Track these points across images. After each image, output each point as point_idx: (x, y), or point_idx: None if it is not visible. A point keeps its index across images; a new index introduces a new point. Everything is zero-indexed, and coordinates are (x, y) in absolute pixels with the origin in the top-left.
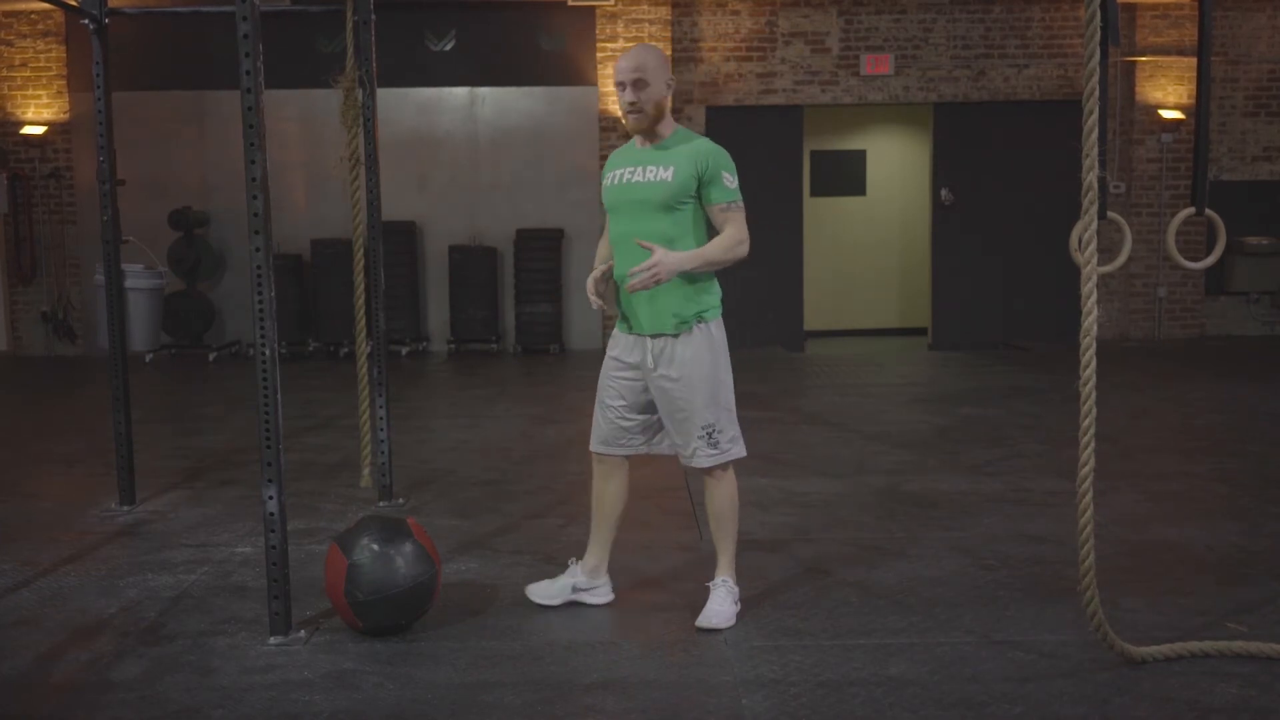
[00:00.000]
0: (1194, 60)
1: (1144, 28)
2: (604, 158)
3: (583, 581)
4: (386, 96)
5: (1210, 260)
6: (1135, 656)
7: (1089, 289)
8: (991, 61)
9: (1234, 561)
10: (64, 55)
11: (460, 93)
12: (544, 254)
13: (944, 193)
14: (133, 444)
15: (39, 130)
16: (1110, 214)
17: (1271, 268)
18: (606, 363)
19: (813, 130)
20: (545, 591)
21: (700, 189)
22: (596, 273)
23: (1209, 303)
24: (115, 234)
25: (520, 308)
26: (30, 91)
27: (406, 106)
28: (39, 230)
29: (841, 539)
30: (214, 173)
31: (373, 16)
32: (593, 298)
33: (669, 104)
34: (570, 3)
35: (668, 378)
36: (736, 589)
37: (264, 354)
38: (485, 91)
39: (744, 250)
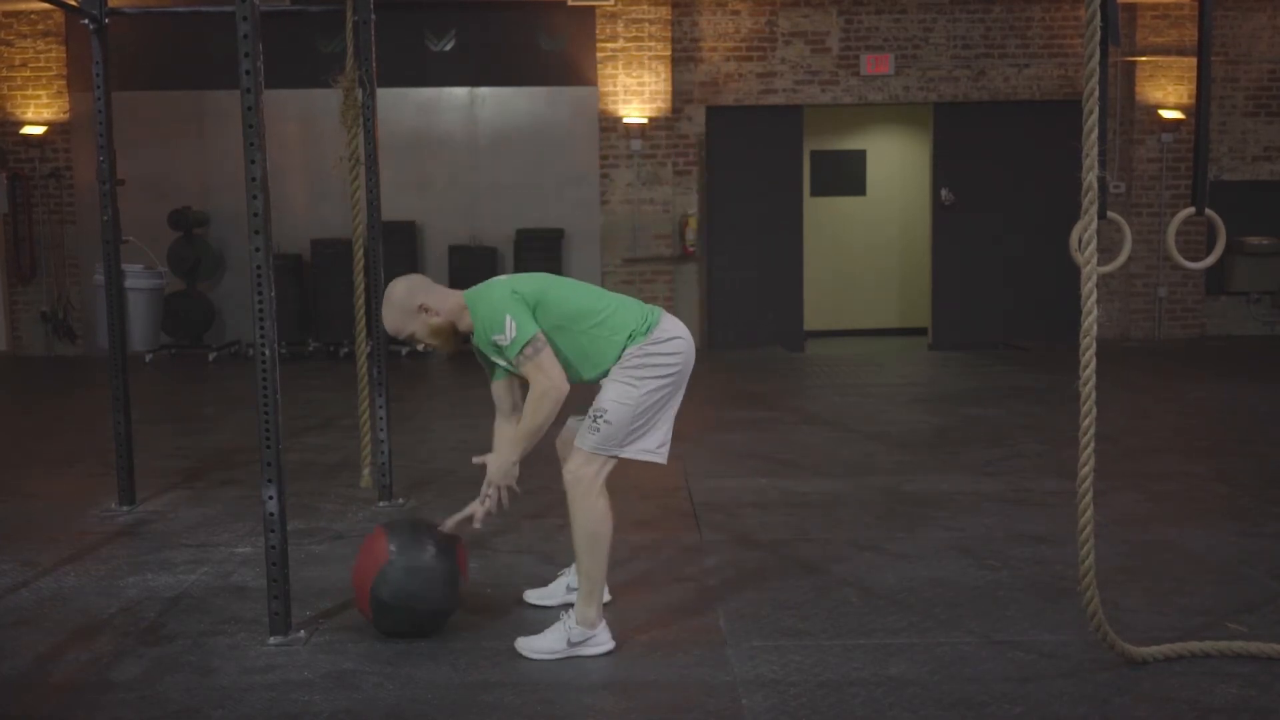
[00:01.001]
0: (1194, 60)
1: (1144, 28)
2: (604, 158)
3: (576, 582)
4: (386, 96)
5: (1210, 260)
6: (1135, 656)
7: (1089, 289)
8: (991, 61)
9: (1234, 561)
10: (64, 55)
11: (460, 93)
12: (544, 254)
13: (944, 193)
14: (133, 444)
15: (39, 130)
16: (1110, 214)
17: (1271, 268)
18: None
19: (813, 130)
20: (541, 594)
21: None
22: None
23: (1209, 303)
24: (115, 234)
25: None
26: (30, 91)
27: (406, 106)
28: (39, 230)
29: (841, 539)
30: (214, 173)
31: (373, 16)
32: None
33: (445, 322)
34: (570, 3)
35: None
36: (583, 633)
37: (264, 354)
38: (485, 91)
39: (550, 400)
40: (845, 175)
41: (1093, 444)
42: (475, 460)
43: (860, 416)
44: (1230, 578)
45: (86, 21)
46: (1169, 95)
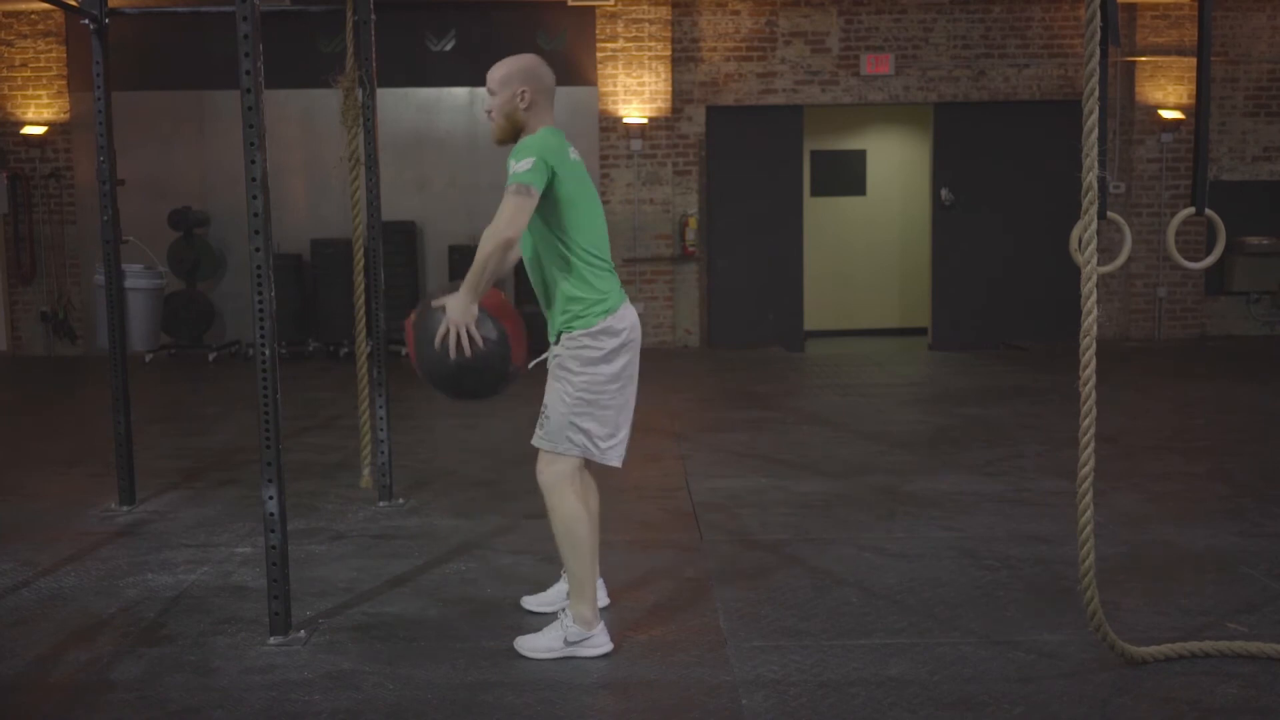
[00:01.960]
0: (1194, 60)
1: (1144, 28)
2: (604, 158)
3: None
4: (386, 96)
5: (1210, 260)
6: (1135, 656)
7: (1089, 289)
8: (991, 61)
9: (1234, 561)
10: (64, 55)
11: (460, 93)
12: None
13: (944, 193)
14: (133, 444)
15: (39, 130)
16: (1110, 214)
17: (1271, 268)
18: None
19: (813, 130)
20: (538, 600)
21: None
22: None
23: (1209, 303)
24: (115, 234)
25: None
26: (30, 91)
27: (406, 106)
28: (39, 230)
29: (841, 539)
30: (214, 173)
31: (373, 16)
32: None
33: (521, 118)
34: (570, 3)
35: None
36: (579, 632)
37: (264, 354)
38: (485, 91)
39: (494, 240)
40: (845, 175)
41: (1093, 444)
42: (434, 303)
43: (860, 416)
44: (1230, 578)
45: (86, 21)
46: (1169, 95)
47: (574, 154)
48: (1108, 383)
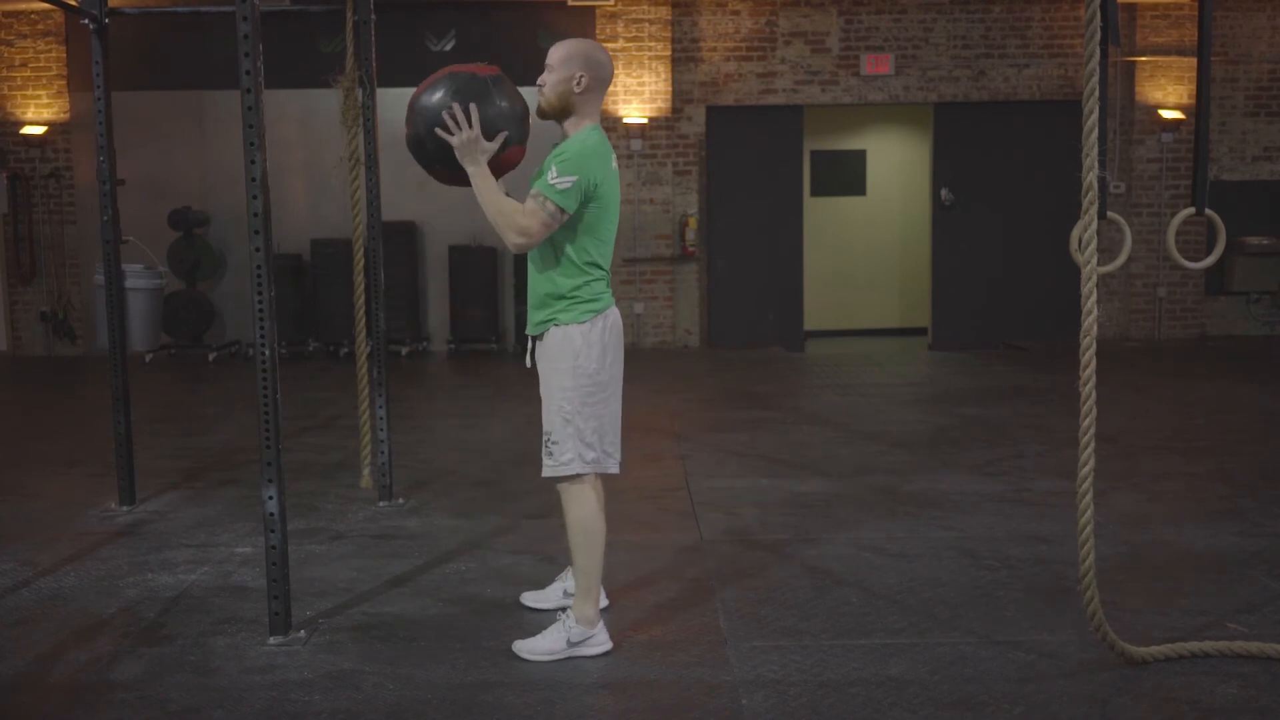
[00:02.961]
0: (1194, 60)
1: (1144, 28)
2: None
3: (572, 586)
4: (386, 96)
5: (1210, 260)
6: (1135, 656)
7: (1089, 289)
8: (991, 61)
9: (1234, 561)
10: (64, 55)
11: None
12: None
13: (944, 193)
14: (133, 444)
15: (39, 130)
16: (1110, 214)
17: (1271, 268)
18: None
19: (813, 130)
20: (537, 597)
21: None
22: None
23: (1209, 303)
24: (115, 234)
25: (520, 308)
26: (30, 91)
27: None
28: (39, 230)
29: (841, 539)
30: (214, 173)
31: (373, 16)
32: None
33: (573, 101)
34: (570, 3)
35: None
36: (582, 632)
37: (264, 354)
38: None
39: (512, 238)
40: (845, 175)
41: (1093, 444)
42: (474, 110)
43: (860, 416)
44: (1230, 578)
45: (86, 21)
46: (1169, 95)
47: (614, 162)
48: (1108, 383)
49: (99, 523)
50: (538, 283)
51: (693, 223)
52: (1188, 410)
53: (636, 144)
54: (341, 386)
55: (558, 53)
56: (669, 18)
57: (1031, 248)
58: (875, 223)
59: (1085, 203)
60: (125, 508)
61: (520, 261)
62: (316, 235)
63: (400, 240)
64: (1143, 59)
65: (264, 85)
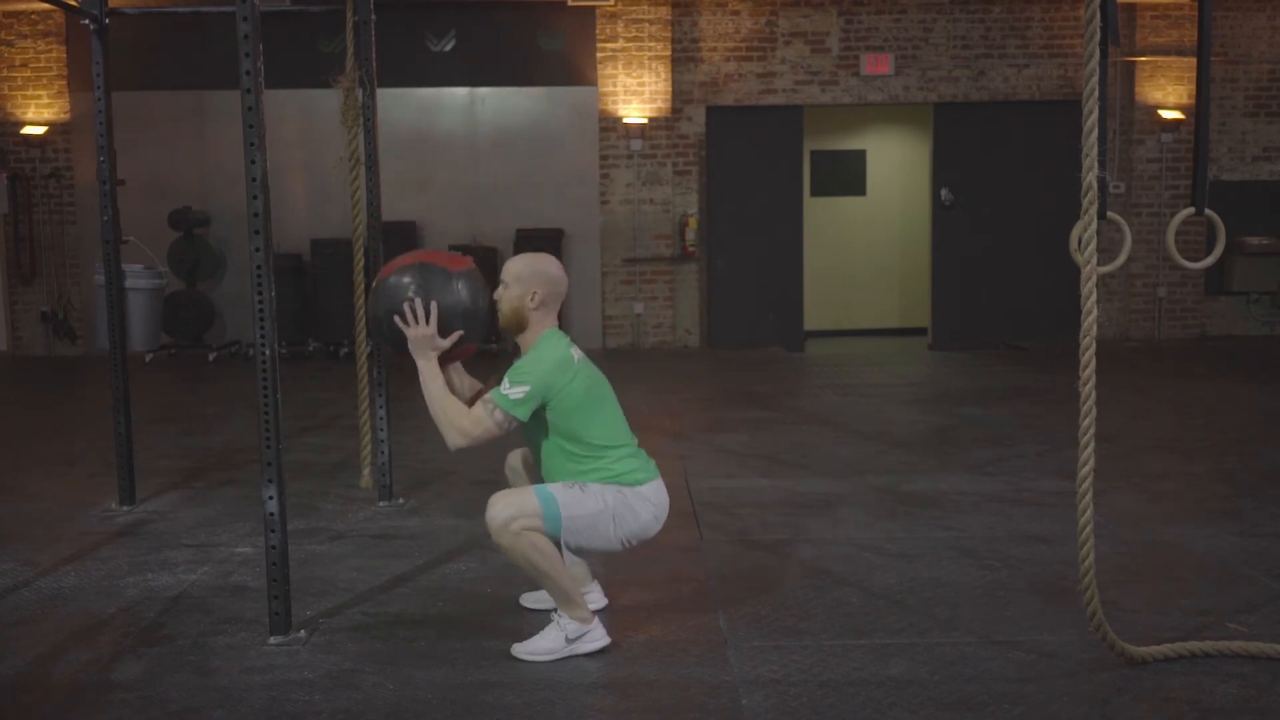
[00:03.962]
0: (1194, 60)
1: (1144, 28)
2: (604, 158)
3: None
4: (386, 96)
5: (1210, 260)
6: (1135, 656)
7: (1089, 289)
8: (991, 61)
9: (1234, 561)
10: (64, 55)
11: (460, 93)
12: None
13: (944, 193)
14: (133, 444)
15: (39, 130)
16: (1110, 214)
17: (1271, 268)
18: None
19: (813, 130)
20: (536, 598)
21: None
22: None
23: (1209, 303)
24: (115, 234)
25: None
26: (30, 91)
27: (406, 106)
28: (39, 230)
29: (841, 539)
30: (214, 173)
31: (373, 16)
32: None
33: (527, 316)
34: (570, 3)
35: None
36: (578, 628)
37: (264, 354)
38: (485, 91)
39: (455, 433)
40: (845, 175)
41: (1093, 444)
42: (409, 331)
43: (860, 416)
44: (1230, 578)
45: (86, 21)
46: (1169, 95)
47: (577, 354)
48: (1108, 383)
49: (99, 523)
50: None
51: (693, 223)
52: (1188, 410)
53: (636, 144)
54: (341, 386)
55: (514, 269)
56: (669, 18)
57: (1032, 248)
58: (875, 223)
59: (1085, 203)
60: (125, 508)
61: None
62: (316, 235)
63: (400, 240)
64: (1143, 59)
65: (264, 85)
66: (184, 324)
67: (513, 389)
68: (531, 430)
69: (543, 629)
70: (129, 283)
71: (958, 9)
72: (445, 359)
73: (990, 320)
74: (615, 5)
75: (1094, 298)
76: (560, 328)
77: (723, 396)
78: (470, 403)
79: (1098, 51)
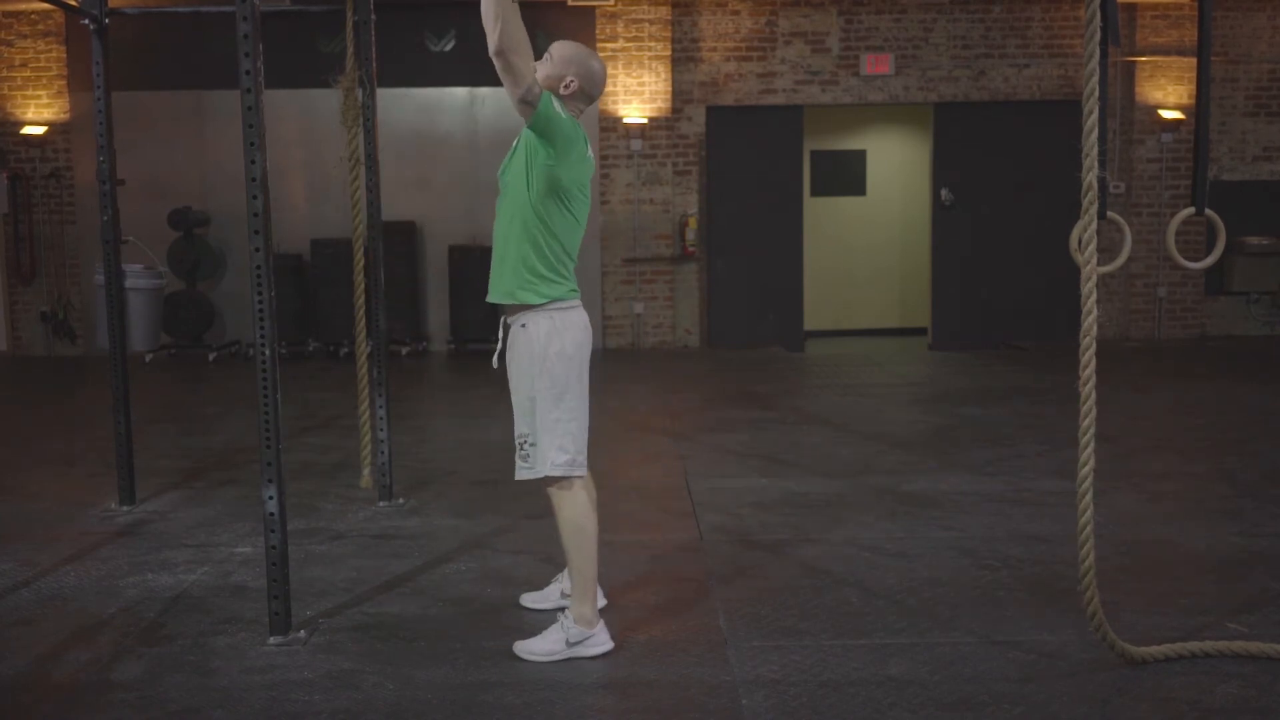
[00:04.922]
0: (1194, 60)
1: (1144, 28)
2: (604, 158)
3: (569, 586)
4: (386, 96)
5: (1210, 260)
6: (1135, 656)
7: (1089, 289)
8: (991, 61)
9: (1234, 561)
10: (64, 55)
11: (460, 93)
12: None
13: (944, 193)
14: (133, 444)
15: (39, 130)
16: (1110, 214)
17: (1271, 268)
18: None
19: (813, 130)
20: (535, 598)
21: (531, 151)
22: None
23: (1209, 303)
24: (115, 234)
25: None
26: (30, 91)
27: (406, 106)
28: (39, 230)
29: (841, 539)
30: (214, 173)
31: (373, 16)
32: None
33: (561, 91)
34: (570, 3)
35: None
36: (581, 632)
37: (264, 354)
38: (485, 91)
39: (508, 43)
40: (845, 175)
41: (1093, 444)
42: None
43: (860, 416)
44: (1230, 578)
45: (86, 21)
46: (1169, 95)
47: (589, 152)
48: (1108, 383)
49: (99, 523)
50: (508, 250)
51: (693, 223)
52: (1188, 410)
53: (636, 144)
54: (341, 386)
55: (561, 50)
56: (669, 18)
57: (1031, 248)
58: (875, 223)
59: (1085, 203)
60: (125, 508)
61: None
62: (316, 235)
63: (400, 240)
64: (1143, 59)
65: (264, 85)
66: (184, 324)
67: (554, 104)
68: (512, 213)
69: (545, 629)
70: (129, 283)
71: (958, 9)
72: None
73: (990, 320)
74: (615, 5)
75: (1094, 298)
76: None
77: (723, 396)
78: None
79: (1098, 51)
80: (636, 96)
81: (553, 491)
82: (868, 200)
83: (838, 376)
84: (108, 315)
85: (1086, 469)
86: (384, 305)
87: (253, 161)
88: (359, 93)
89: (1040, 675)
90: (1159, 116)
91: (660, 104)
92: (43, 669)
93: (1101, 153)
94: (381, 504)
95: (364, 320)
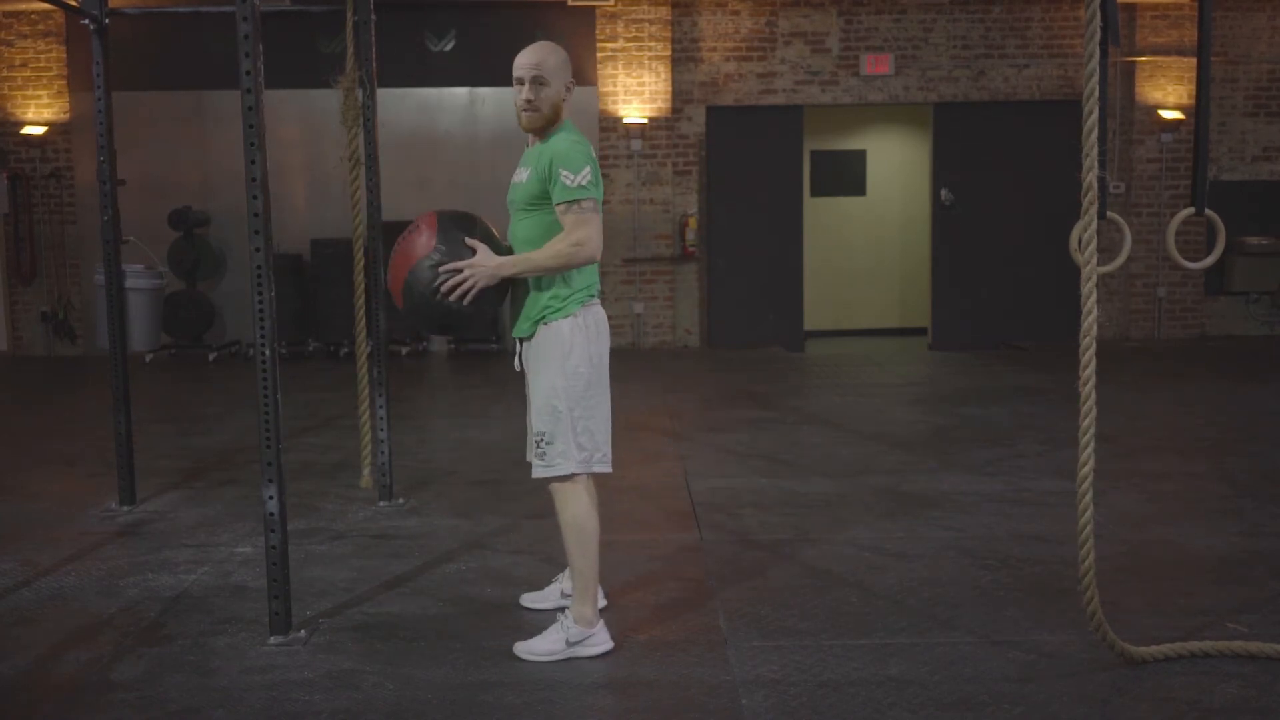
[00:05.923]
0: (1194, 60)
1: (1144, 28)
2: (604, 158)
3: (570, 586)
4: (386, 96)
5: (1210, 260)
6: (1135, 656)
7: (1089, 289)
8: (991, 61)
9: (1234, 561)
10: (64, 55)
11: (460, 93)
12: None
13: (944, 193)
14: (133, 444)
15: (39, 130)
16: (1110, 214)
17: (1271, 268)
18: None
19: (813, 130)
20: (535, 598)
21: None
22: None
23: (1209, 303)
24: (115, 234)
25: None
26: (30, 91)
27: (406, 106)
28: (39, 230)
29: (841, 539)
30: (214, 173)
31: (373, 16)
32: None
33: (564, 107)
34: (570, 3)
35: (529, 382)
36: (581, 632)
37: (264, 354)
38: (485, 91)
39: (583, 254)
40: (845, 175)
41: (1093, 444)
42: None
43: (860, 416)
44: (1230, 578)
45: (86, 21)
46: (1169, 95)
47: (593, 151)
48: (1108, 383)
49: (99, 523)
50: (539, 280)
51: (693, 223)
52: (1188, 410)
53: (636, 144)
54: (341, 386)
55: (549, 62)
56: (669, 18)
57: (1031, 248)
58: (875, 223)
59: (1085, 203)
60: (125, 508)
61: None
62: (316, 235)
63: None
64: (1143, 59)
65: (264, 85)
66: (184, 324)
67: (577, 175)
68: (527, 234)
69: (546, 629)
70: (129, 283)
71: (958, 9)
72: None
73: (990, 320)
74: (615, 5)
75: (1094, 298)
76: None
77: (723, 396)
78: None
79: (1098, 51)
80: (636, 96)
81: (555, 490)
82: (868, 200)
83: (838, 376)
84: (108, 315)
85: (1086, 469)
86: (384, 305)
87: (253, 161)
88: (359, 93)
89: (1040, 675)
90: (1159, 116)
91: (660, 104)
92: (43, 669)
93: (1101, 153)
94: (381, 504)
95: (364, 320)
